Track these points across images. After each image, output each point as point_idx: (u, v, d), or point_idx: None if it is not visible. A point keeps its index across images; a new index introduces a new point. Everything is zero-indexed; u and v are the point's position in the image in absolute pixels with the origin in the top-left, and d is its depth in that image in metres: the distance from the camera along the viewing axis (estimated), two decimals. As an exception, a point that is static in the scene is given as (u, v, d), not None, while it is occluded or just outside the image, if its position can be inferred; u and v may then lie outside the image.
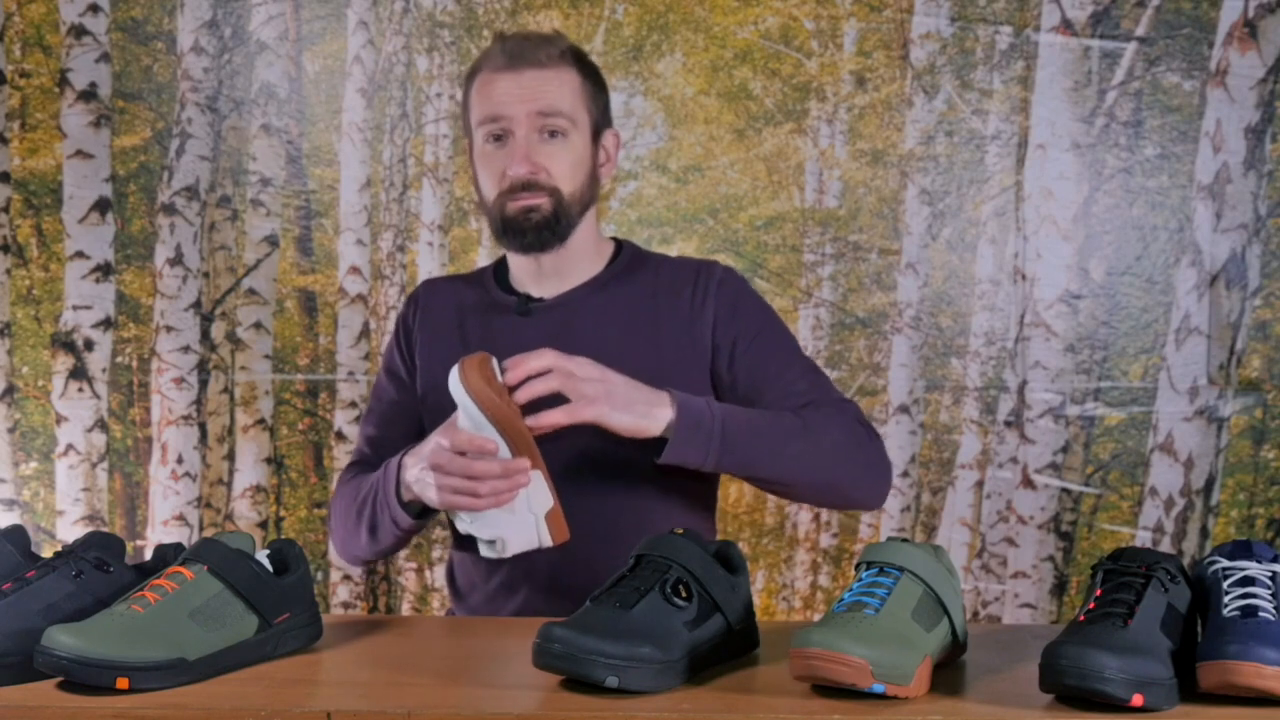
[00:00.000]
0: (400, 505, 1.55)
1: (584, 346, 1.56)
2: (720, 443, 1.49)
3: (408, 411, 1.72)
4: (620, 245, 1.74)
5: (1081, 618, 1.19)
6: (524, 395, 1.42)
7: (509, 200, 1.60)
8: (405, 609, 2.65)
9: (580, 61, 1.65)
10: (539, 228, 1.60)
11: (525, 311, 1.67)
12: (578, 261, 1.68)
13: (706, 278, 1.67)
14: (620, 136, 1.73)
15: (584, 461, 1.57)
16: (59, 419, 2.63)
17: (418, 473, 1.49)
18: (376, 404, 1.76)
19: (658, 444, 1.49)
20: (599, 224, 1.74)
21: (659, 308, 1.65)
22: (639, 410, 1.46)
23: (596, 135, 1.66)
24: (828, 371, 2.57)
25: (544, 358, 1.43)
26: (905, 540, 1.26)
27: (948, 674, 1.24)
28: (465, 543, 1.64)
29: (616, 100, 2.56)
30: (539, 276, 1.69)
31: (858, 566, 1.26)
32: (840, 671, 1.12)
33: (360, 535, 1.62)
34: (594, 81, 1.66)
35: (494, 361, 1.45)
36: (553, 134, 1.60)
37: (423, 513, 1.56)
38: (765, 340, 1.65)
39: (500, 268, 1.76)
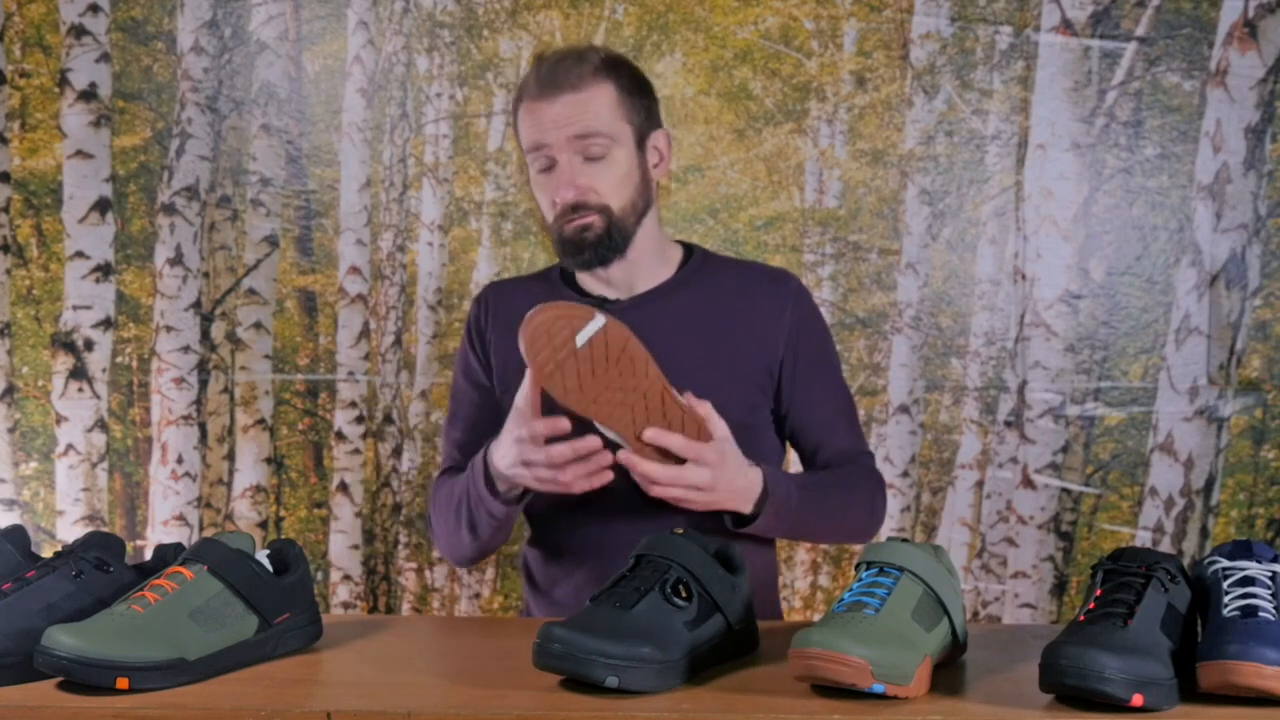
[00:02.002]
0: (493, 495, 1.57)
1: (659, 348, 1.59)
2: (790, 526, 1.58)
3: (491, 412, 1.73)
4: (689, 249, 1.77)
5: (1081, 618, 1.19)
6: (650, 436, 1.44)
7: (564, 223, 1.64)
8: (405, 609, 2.65)
9: (616, 72, 1.65)
10: (595, 245, 1.64)
11: (601, 308, 1.66)
12: (643, 267, 1.70)
13: (783, 285, 1.72)
14: (670, 134, 1.74)
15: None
16: (59, 419, 2.63)
17: (510, 465, 1.51)
18: (459, 408, 1.78)
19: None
20: (661, 227, 1.76)
21: (732, 311, 1.69)
22: (738, 503, 1.52)
23: (642, 142, 1.68)
24: (828, 371, 2.58)
25: (699, 474, 1.44)
26: (905, 540, 1.26)
27: (948, 674, 1.24)
28: (542, 539, 1.68)
29: (616, 100, 2.57)
30: (608, 284, 1.72)
31: (858, 566, 1.26)
32: (840, 671, 1.12)
33: (462, 536, 1.65)
34: (634, 89, 1.66)
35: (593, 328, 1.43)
36: (592, 156, 1.62)
37: (521, 496, 1.59)
38: (822, 367, 1.72)
39: (566, 270, 1.78)
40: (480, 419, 1.75)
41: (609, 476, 1.48)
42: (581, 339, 1.42)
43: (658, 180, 1.72)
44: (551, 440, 1.47)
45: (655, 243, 1.72)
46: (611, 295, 1.71)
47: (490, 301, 1.79)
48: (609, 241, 1.64)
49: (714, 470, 1.46)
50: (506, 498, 1.58)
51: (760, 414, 1.69)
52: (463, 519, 1.63)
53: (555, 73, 1.62)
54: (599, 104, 1.62)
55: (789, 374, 1.69)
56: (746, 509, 1.53)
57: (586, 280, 1.75)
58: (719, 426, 1.47)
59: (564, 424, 1.45)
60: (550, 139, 1.61)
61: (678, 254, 1.76)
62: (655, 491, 1.46)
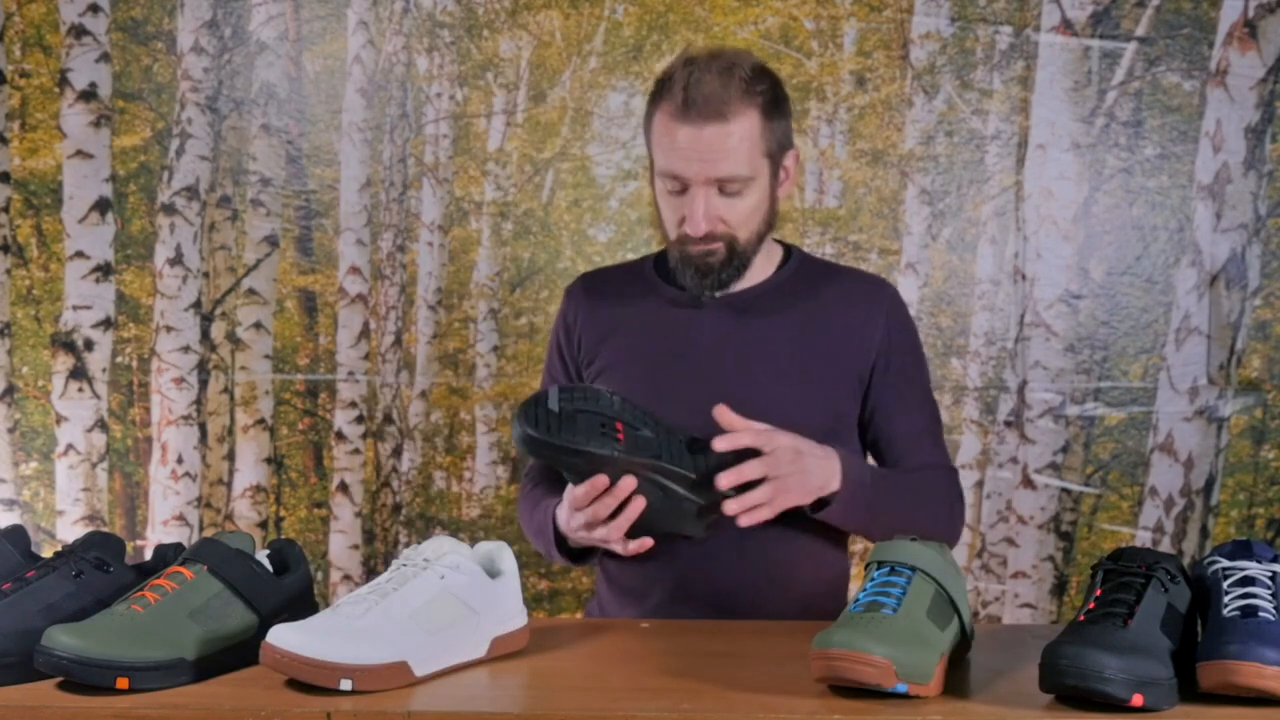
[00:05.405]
0: (564, 554, 1.62)
1: (754, 343, 1.63)
2: (866, 515, 1.58)
3: None
4: (788, 250, 1.76)
5: (1081, 618, 1.19)
6: (735, 508, 1.48)
7: (688, 245, 1.62)
8: (405, 609, 2.64)
9: (761, 93, 1.59)
10: (719, 270, 1.63)
11: (698, 303, 1.68)
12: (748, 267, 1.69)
13: (881, 293, 1.72)
14: (800, 153, 1.70)
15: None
16: (59, 419, 2.63)
17: (578, 533, 1.54)
18: None
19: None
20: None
21: (830, 315, 1.68)
22: (814, 490, 1.53)
23: (778, 166, 1.65)
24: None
25: (760, 472, 1.47)
26: (914, 539, 1.27)
27: (949, 673, 1.24)
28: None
29: (616, 100, 2.57)
30: None
31: (868, 566, 1.26)
32: (865, 672, 1.11)
33: (543, 552, 1.68)
34: (775, 110, 1.62)
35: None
36: (729, 193, 1.59)
37: (587, 553, 1.63)
38: (912, 378, 1.72)
39: (660, 261, 1.76)
40: None
41: (649, 542, 1.51)
42: None
43: (783, 197, 1.70)
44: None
45: (764, 250, 1.71)
46: (730, 288, 1.69)
47: (582, 294, 1.77)
48: (730, 267, 1.63)
49: (789, 454, 1.48)
50: (575, 554, 1.62)
51: (846, 420, 1.68)
52: (543, 545, 1.67)
53: (703, 93, 1.55)
54: (742, 139, 1.57)
55: (878, 382, 1.68)
56: (833, 487, 1.54)
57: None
58: (772, 437, 1.49)
59: (601, 481, 1.46)
60: (688, 172, 1.57)
61: (778, 254, 1.75)
62: (760, 515, 1.49)
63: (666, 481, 1.46)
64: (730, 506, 1.46)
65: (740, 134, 1.56)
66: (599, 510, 1.47)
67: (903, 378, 1.70)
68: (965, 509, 1.71)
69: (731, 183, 1.58)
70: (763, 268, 1.71)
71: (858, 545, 2.61)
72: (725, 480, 1.45)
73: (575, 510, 1.50)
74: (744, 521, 1.47)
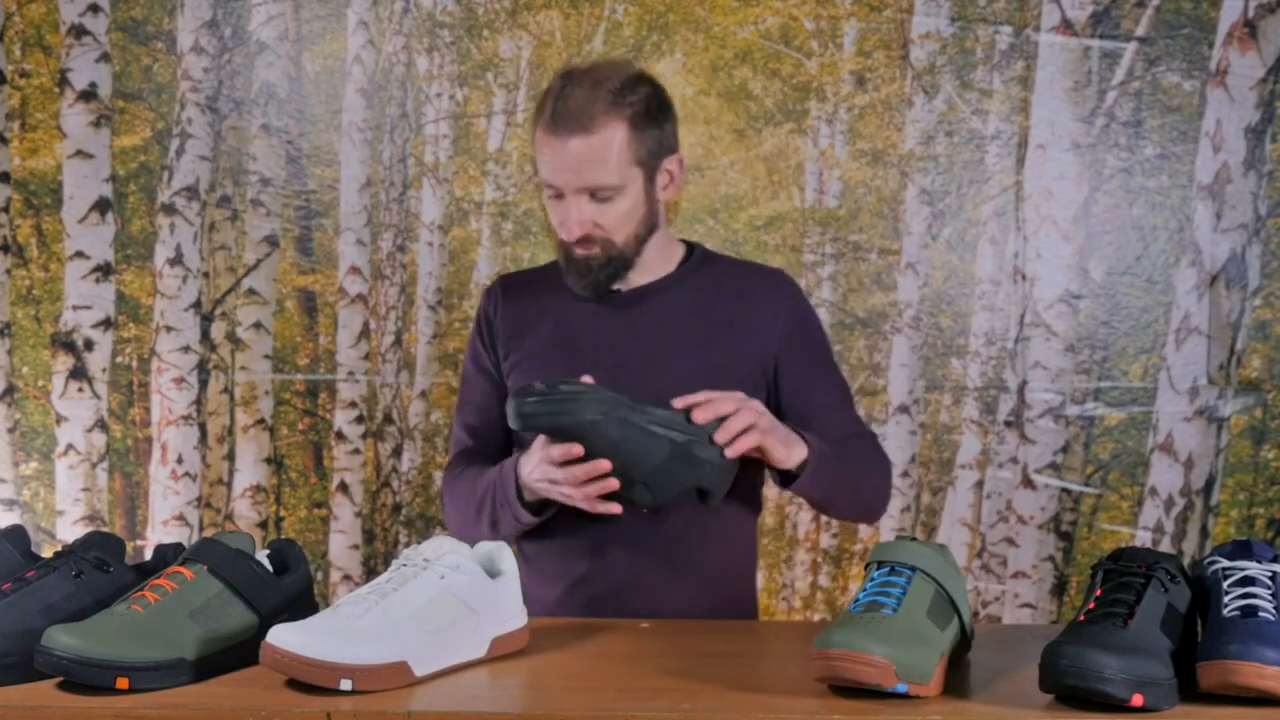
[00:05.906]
0: (524, 506, 1.65)
1: (658, 336, 1.70)
2: (827, 482, 1.64)
3: (498, 399, 1.80)
4: (691, 247, 1.82)
5: (1081, 618, 1.19)
6: (723, 436, 1.53)
7: (569, 248, 1.69)
8: (405, 609, 2.64)
9: (630, 105, 1.64)
10: (596, 270, 1.70)
11: (605, 299, 1.74)
12: (647, 266, 1.75)
13: (778, 284, 1.79)
14: (684, 159, 1.74)
15: None
16: (59, 419, 2.63)
17: (537, 480, 1.60)
18: (469, 396, 1.85)
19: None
20: (666, 229, 1.78)
21: (728, 306, 1.74)
22: (785, 442, 1.59)
23: (653, 175, 1.69)
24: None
25: (735, 407, 1.53)
26: (914, 539, 1.27)
27: (949, 673, 1.24)
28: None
29: (616, 100, 2.56)
30: None
31: (868, 566, 1.27)
32: (865, 672, 1.12)
33: (481, 528, 1.71)
34: (646, 121, 1.66)
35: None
36: (600, 199, 1.65)
37: (544, 506, 1.66)
38: (819, 363, 1.78)
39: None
40: (488, 405, 1.82)
41: (617, 508, 1.56)
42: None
43: (666, 200, 1.74)
44: (571, 463, 1.54)
45: (659, 248, 1.76)
46: (612, 286, 1.75)
47: (500, 295, 1.84)
48: (609, 269, 1.70)
49: (753, 407, 1.54)
50: (534, 507, 1.64)
51: None
52: (484, 515, 1.69)
53: (569, 108, 1.61)
54: (608, 151, 1.62)
55: (786, 370, 1.73)
56: (793, 463, 1.58)
57: None
58: (742, 398, 1.55)
59: (577, 450, 1.51)
60: (560, 182, 1.64)
61: (679, 252, 1.80)
62: (748, 441, 1.54)
63: (669, 432, 1.50)
64: (719, 436, 1.51)
65: (605, 145, 1.62)
66: (569, 476, 1.53)
67: (809, 362, 1.76)
68: (892, 473, 1.78)
69: (601, 190, 1.64)
70: (663, 264, 1.77)
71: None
72: (720, 436, 1.51)
73: (548, 464, 1.54)
74: (731, 452, 1.52)
